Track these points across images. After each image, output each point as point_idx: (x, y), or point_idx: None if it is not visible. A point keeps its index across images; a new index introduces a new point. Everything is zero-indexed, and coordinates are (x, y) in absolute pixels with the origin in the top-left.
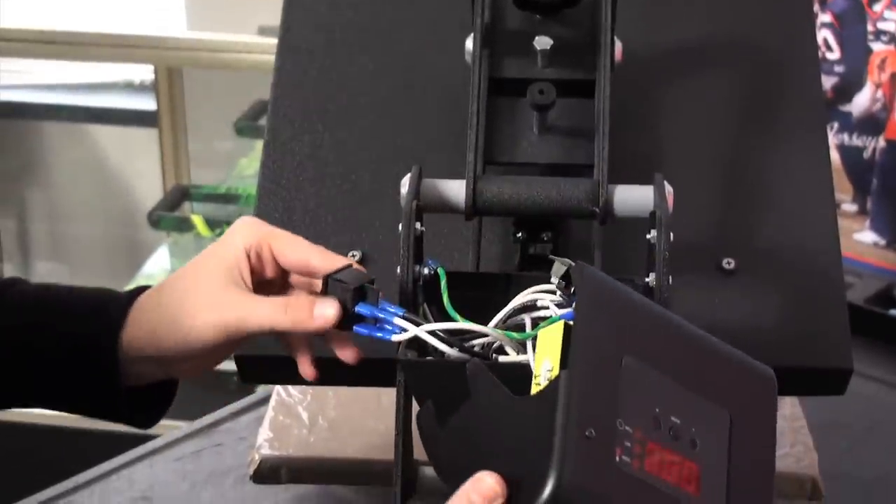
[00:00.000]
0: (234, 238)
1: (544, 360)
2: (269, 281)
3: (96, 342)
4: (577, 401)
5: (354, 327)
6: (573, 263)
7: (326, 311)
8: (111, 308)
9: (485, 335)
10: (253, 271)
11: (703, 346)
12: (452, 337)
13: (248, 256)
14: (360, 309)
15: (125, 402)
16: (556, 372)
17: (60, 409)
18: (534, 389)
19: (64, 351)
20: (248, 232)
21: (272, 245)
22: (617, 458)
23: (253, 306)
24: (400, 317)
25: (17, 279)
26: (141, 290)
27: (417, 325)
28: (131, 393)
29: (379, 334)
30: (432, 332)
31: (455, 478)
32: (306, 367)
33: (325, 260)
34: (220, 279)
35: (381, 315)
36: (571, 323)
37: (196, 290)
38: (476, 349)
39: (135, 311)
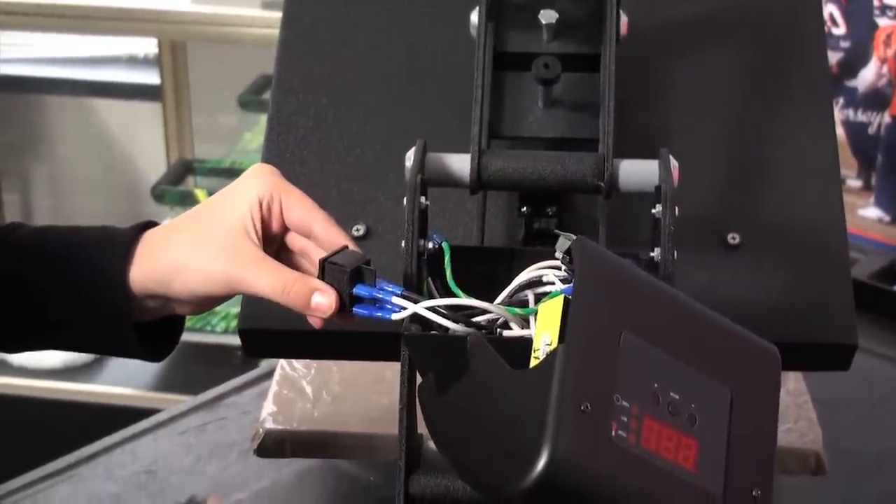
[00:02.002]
0: (249, 186)
1: (544, 335)
2: (272, 236)
3: (105, 277)
4: (572, 375)
5: (354, 309)
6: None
7: (323, 303)
8: (117, 243)
9: (484, 311)
10: (262, 222)
11: (705, 323)
12: (456, 312)
13: (261, 206)
14: (359, 290)
15: (135, 336)
16: (554, 346)
17: (71, 349)
18: (532, 363)
19: (73, 288)
20: (263, 181)
21: (283, 199)
22: (612, 433)
23: (256, 271)
24: (398, 295)
25: (18, 223)
26: (146, 225)
27: (416, 302)
28: (140, 327)
29: (379, 314)
30: (432, 308)
31: (454, 451)
32: (315, 318)
33: (326, 230)
34: (231, 228)
35: (380, 295)
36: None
37: (207, 236)
38: (482, 324)
39: (142, 247)
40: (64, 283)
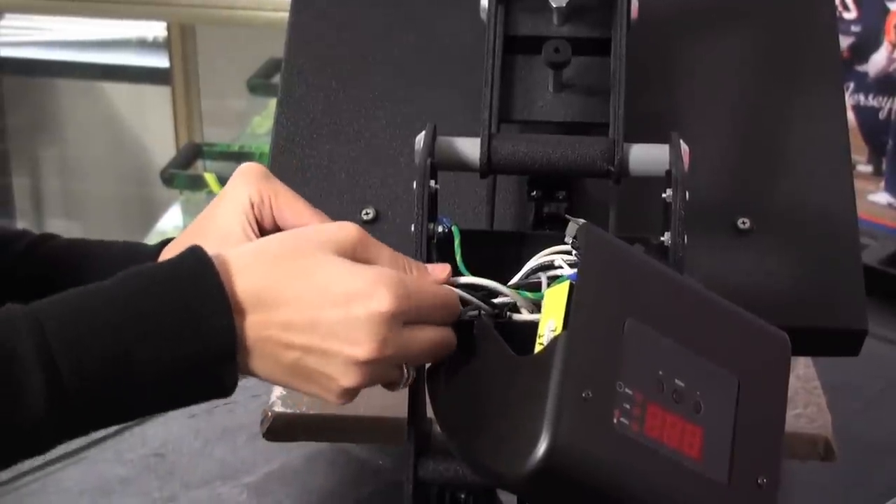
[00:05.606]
0: (240, 191)
1: (549, 320)
2: (267, 234)
3: None
4: (574, 362)
5: None
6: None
7: None
8: (142, 259)
9: (497, 293)
10: (258, 224)
11: (713, 309)
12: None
13: (253, 209)
14: None
15: None
16: (559, 332)
17: None
18: (537, 349)
19: None
20: (251, 184)
21: (273, 201)
22: (615, 420)
23: None
24: None
25: (50, 234)
26: (166, 242)
27: None
28: None
29: None
30: None
31: (459, 436)
32: None
33: None
34: (231, 235)
35: None
36: None
37: (211, 248)
38: (494, 304)
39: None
40: None
